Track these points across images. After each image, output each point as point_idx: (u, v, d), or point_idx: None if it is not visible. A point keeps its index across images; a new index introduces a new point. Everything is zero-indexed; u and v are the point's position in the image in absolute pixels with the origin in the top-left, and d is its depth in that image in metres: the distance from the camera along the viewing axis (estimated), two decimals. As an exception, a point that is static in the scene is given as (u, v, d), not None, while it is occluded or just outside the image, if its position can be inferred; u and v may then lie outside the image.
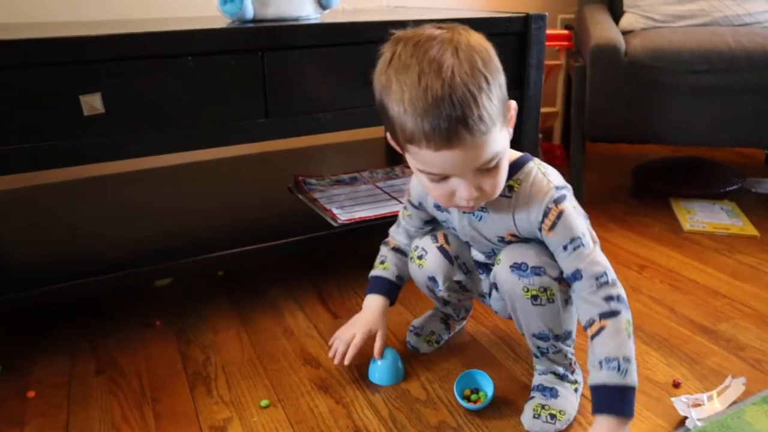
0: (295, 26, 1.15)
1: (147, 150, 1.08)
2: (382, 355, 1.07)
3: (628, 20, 1.97)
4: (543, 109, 1.42)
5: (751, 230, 1.66)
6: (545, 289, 0.90)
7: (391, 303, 1.11)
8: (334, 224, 1.26)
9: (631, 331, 0.86)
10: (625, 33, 1.84)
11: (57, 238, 1.30)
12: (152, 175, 1.66)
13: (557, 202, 0.87)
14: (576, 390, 1.02)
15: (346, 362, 1.05)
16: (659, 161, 2.25)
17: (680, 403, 0.99)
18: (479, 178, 0.82)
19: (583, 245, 0.87)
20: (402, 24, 1.19)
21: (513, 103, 0.84)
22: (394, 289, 1.11)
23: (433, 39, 0.78)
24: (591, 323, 0.87)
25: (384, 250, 1.13)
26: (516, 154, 0.92)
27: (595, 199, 1.91)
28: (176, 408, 1.03)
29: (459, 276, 1.06)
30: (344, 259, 1.53)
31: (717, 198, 1.88)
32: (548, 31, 1.44)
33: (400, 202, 1.36)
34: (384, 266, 1.12)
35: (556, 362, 1.01)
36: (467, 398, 1.01)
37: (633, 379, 0.83)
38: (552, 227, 0.87)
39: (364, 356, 1.09)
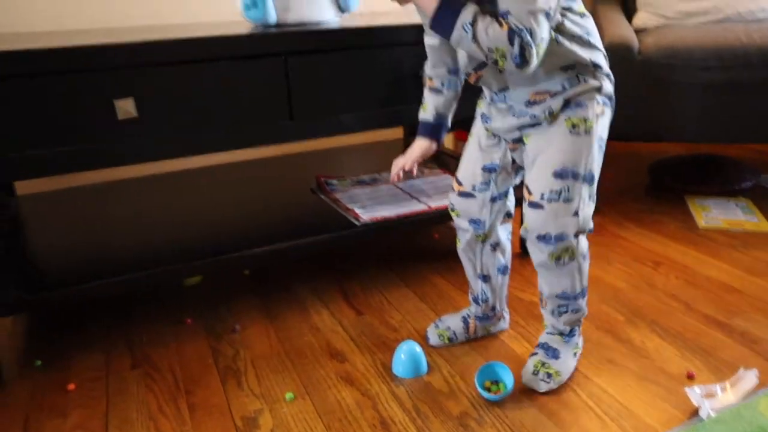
0: (316, 31, 1.19)
1: (177, 152, 1.13)
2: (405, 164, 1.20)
3: (641, 18, 1.99)
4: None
5: (766, 226, 1.68)
6: (566, 249, 1.00)
7: (437, 142, 1.19)
8: (357, 224, 1.30)
9: (503, 41, 0.86)
10: (638, 31, 1.87)
11: (90, 239, 1.35)
12: (181, 177, 1.71)
13: None
14: (575, 354, 1.12)
15: (407, 168, 1.19)
16: (674, 158, 2.27)
17: (694, 394, 1.02)
18: None
19: None
20: (420, 27, 1.23)
21: None
22: (435, 129, 1.18)
23: None
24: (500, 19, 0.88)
25: (424, 92, 1.18)
26: None
27: (610, 197, 1.93)
28: (209, 400, 1.08)
29: (486, 192, 1.11)
30: (367, 257, 1.58)
31: (732, 195, 1.90)
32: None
33: (421, 202, 1.40)
34: (423, 108, 1.18)
35: (569, 322, 1.10)
36: (488, 389, 1.05)
37: (460, 33, 0.88)
38: None
39: (388, 350, 1.13)
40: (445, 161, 1.76)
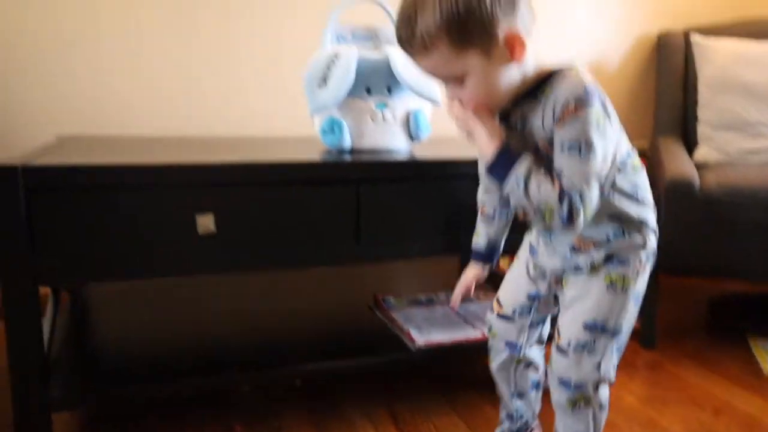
0: (388, 163, 1.26)
1: (250, 266, 1.19)
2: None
3: (702, 153, 2.01)
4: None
5: (836, 378, 1.60)
6: (583, 396, 1.01)
7: (490, 266, 1.22)
8: (412, 348, 1.31)
9: (553, 200, 0.89)
10: (698, 166, 1.88)
11: (150, 339, 1.40)
12: (246, 283, 1.77)
13: (579, 100, 0.87)
14: None
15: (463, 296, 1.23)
16: (737, 295, 2.21)
17: None
18: (453, 87, 0.93)
19: (578, 153, 0.87)
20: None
21: (512, 32, 0.86)
22: (488, 256, 1.20)
23: None
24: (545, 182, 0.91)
25: (478, 219, 1.20)
26: (557, 65, 0.93)
27: (668, 333, 1.88)
28: None
29: (526, 318, 1.13)
30: (419, 379, 1.56)
31: (798, 338, 1.83)
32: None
33: (476, 328, 1.40)
34: (476, 234, 1.20)
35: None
36: None
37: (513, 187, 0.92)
38: (562, 118, 0.88)
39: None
40: (500, 284, 1.77)
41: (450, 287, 1.27)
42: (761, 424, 1.39)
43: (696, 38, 2.18)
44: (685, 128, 2.16)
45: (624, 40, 2.40)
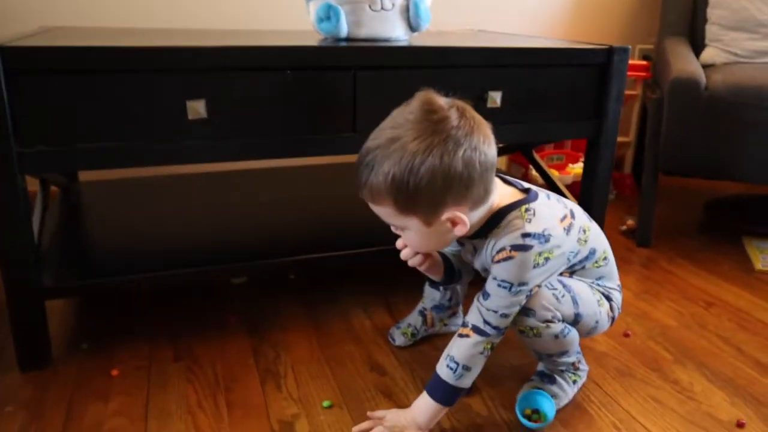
0: (387, 48, 1.21)
1: (241, 155, 1.15)
2: None
3: (709, 54, 1.96)
4: (616, 139, 1.45)
5: (827, 276, 1.62)
6: (531, 328, 0.99)
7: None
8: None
9: (489, 351, 0.97)
10: (705, 67, 1.83)
11: (145, 230, 1.40)
12: (240, 177, 1.75)
13: (515, 248, 0.92)
14: (575, 382, 1.12)
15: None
16: (732, 197, 2.21)
17: (745, 444, 0.98)
18: (398, 230, 0.96)
19: (507, 290, 0.94)
20: (484, 51, 1.24)
21: (454, 215, 0.89)
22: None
23: (437, 129, 0.86)
24: (465, 325, 0.98)
25: None
26: (508, 198, 0.96)
27: (664, 233, 1.89)
28: (247, 399, 1.09)
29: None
30: (413, 271, 1.57)
31: (792, 240, 1.84)
32: (628, 62, 1.45)
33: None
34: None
35: (550, 366, 1.11)
36: (528, 417, 1.03)
37: (465, 382, 0.98)
38: (498, 261, 0.94)
39: (429, 367, 1.11)
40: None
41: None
42: (750, 317, 1.41)
43: (710, -69, 2.06)
44: (693, 29, 2.09)
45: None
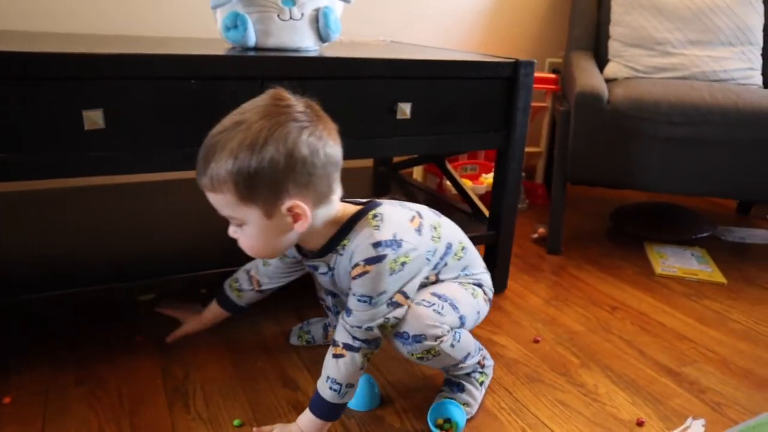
0: (296, 58, 1.20)
1: (141, 167, 1.10)
2: None
3: (612, 69, 2.06)
4: (527, 149, 1.49)
5: (719, 277, 1.72)
6: (428, 351, 0.99)
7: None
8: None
9: (366, 363, 0.98)
10: (608, 81, 1.92)
11: (46, 245, 1.31)
12: (145, 188, 1.68)
13: (368, 262, 0.93)
14: (482, 383, 1.14)
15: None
16: (636, 205, 2.33)
17: (643, 442, 1.03)
18: (236, 228, 0.93)
19: (368, 303, 0.94)
20: (394, 63, 1.25)
21: (296, 204, 0.88)
22: (239, 309, 1.23)
23: (282, 111, 0.86)
24: (336, 344, 0.98)
25: (243, 276, 1.20)
26: (352, 209, 0.97)
27: (573, 240, 1.96)
28: (154, 423, 1.05)
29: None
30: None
31: (689, 244, 1.95)
32: (536, 74, 1.50)
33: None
34: (237, 291, 1.20)
35: (457, 373, 1.11)
36: (440, 427, 1.04)
37: (351, 396, 0.99)
38: (354, 277, 0.94)
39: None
40: (411, 191, 1.78)
41: (362, 195, 1.25)
42: (650, 319, 1.49)
43: (611, -48, 2.17)
44: (597, 44, 2.19)
45: (542, -48, 2.37)
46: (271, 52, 1.22)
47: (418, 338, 0.97)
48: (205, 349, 1.26)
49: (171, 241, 1.37)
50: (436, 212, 1.10)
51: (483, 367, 1.14)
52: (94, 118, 1.03)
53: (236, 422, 1.05)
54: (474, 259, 1.12)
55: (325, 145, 0.88)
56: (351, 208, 0.98)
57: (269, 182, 0.85)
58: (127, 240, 1.36)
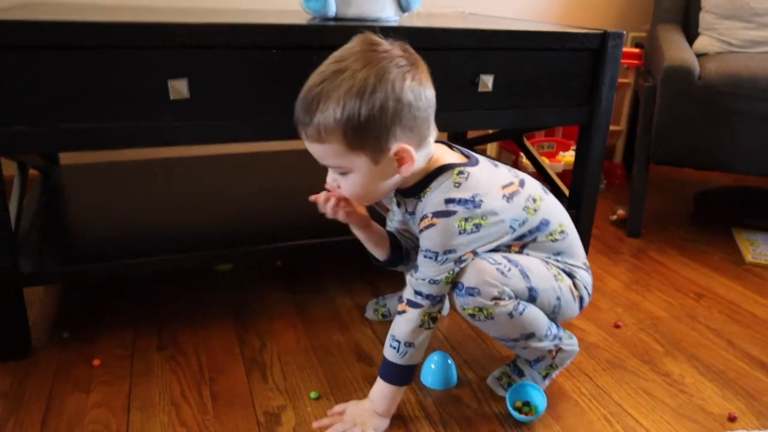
0: (376, 28, 1.17)
1: (225, 137, 1.11)
2: None
3: (702, 43, 1.94)
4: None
5: (817, 267, 1.61)
6: (480, 309, 0.93)
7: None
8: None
9: (429, 323, 0.95)
10: (698, 56, 1.81)
11: (128, 215, 1.35)
12: (226, 160, 1.71)
13: (436, 215, 0.91)
14: (546, 376, 1.07)
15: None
16: (722, 189, 2.20)
17: (737, 438, 0.97)
18: (337, 176, 0.92)
19: (433, 259, 0.92)
20: (476, 33, 1.21)
21: (403, 148, 0.87)
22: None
23: (382, 57, 0.85)
24: (401, 300, 0.97)
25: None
26: (444, 158, 0.95)
27: (654, 223, 1.88)
28: (233, 390, 1.06)
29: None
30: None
31: (782, 231, 1.84)
32: (622, 49, 1.42)
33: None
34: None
35: (524, 355, 1.05)
36: (518, 410, 1.01)
37: (414, 359, 0.96)
38: (422, 229, 0.93)
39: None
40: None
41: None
42: (740, 309, 1.40)
43: None
44: (687, 18, 2.07)
45: None
46: (351, 22, 1.20)
47: (471, 291, 0.91)
48: (280, 321, 1.27)
49: (250, 213, 1.39)
50: (546, 189, 1.04)
51: (554, 358, 1.05)
52: (178, 88, 1.04)
53: (313, 395, 1.05)
54: (573, 248, 1.04)
55: (426, 87, 0.88)
56: (447, 156, 0.96)
57: (378, 128, 0.84)
58: (207, 211, 1.38)
